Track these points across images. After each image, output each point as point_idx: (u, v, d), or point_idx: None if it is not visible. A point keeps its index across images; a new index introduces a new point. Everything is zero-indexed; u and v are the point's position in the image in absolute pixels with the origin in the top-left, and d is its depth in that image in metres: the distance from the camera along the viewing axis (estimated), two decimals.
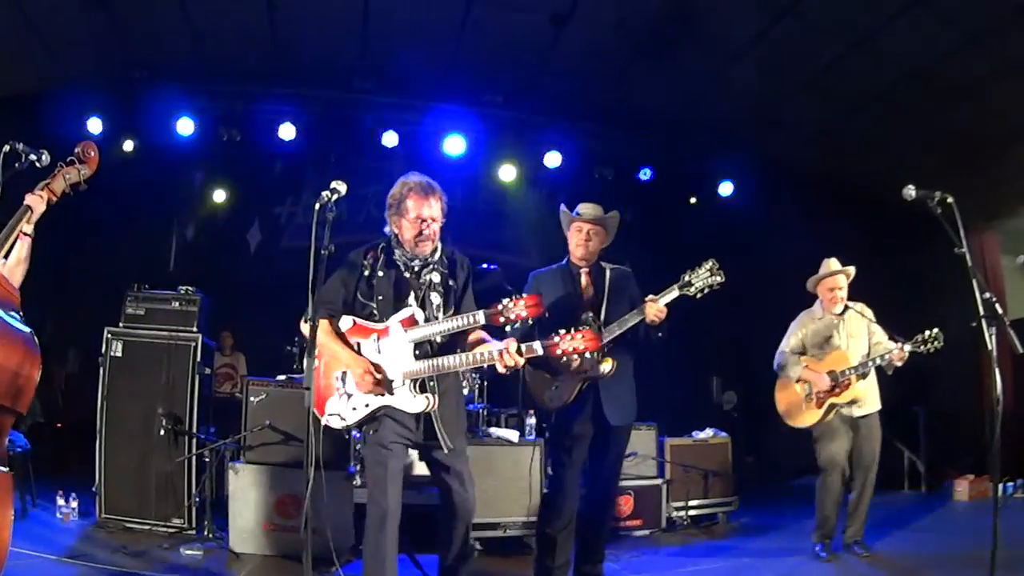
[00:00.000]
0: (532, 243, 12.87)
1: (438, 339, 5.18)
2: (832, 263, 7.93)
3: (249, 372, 11.80)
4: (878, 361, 7.38)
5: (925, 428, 11.95)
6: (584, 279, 6.33)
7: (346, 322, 5.21)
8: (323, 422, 5.19)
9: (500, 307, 4.89)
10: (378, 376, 5.00)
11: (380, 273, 5.27)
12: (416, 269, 5.32)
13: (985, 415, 11.55)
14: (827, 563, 7.44)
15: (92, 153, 4.88)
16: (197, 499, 7.98)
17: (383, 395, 5.04)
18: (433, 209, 5.27)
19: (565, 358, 5.22)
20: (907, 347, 7.16)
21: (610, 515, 6.59)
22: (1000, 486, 6.83)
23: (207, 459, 7.90)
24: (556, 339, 4.87)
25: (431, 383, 5.11)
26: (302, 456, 7.36)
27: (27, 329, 4.32)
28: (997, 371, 5.25)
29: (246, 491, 7.50)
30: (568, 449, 6.08)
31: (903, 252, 11.51)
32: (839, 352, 7.69)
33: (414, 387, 5.03)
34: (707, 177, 13.72)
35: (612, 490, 6.49)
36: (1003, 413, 5.21)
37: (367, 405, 5.07)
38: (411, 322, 5.08)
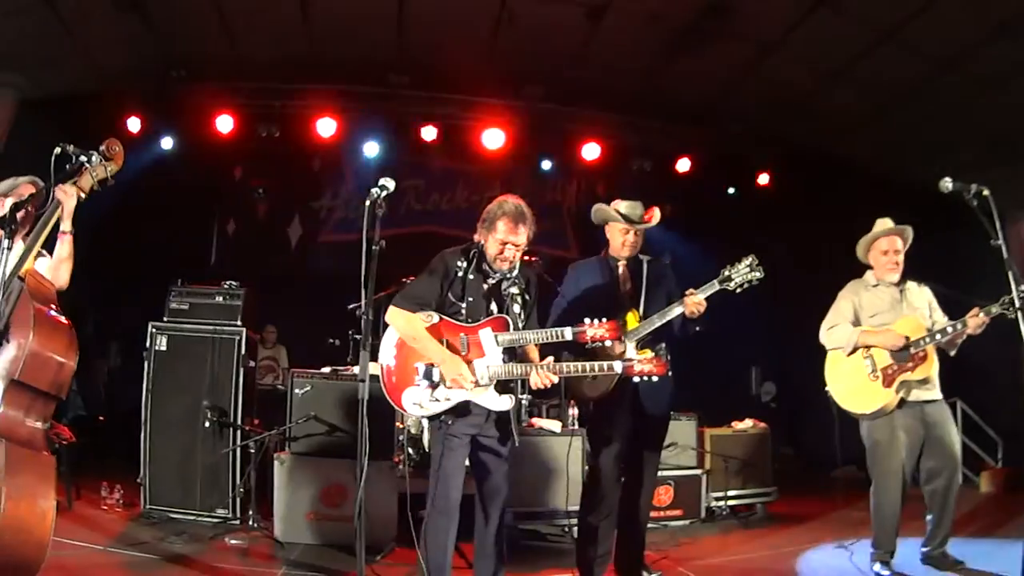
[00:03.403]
0: (571, 235, 12.93)
1: (520, 346, 5.41)
2: (886, 221, 6.99)
3: (290, 364, 11.92)
4: (959, 327, 6.30)
5: (962, 420, 11.88)
6: (623, 271, 6.34)
7: (433, 319, 5.33)
8: (405, 413, 5.55)
9: (586, 327, 5.18)
10: (472, 377, 5.16)
11: (471, 276, 5.44)
12: (498, 279, 5.48)
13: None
14: None
15: (117, 149, 4.99)
16: (242, 489, 8.08)
17: (472, 392, 5.20)
18: (519, 237, 5.36)
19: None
20: (994, 308, 6.03)
21: (649, 505, 6.60)
22: None
23: (252, 450, 7.99)
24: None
25: (511, 384, 5.39)
26: (346, 446, 7.48)
27: (65, 321, 4.64)
28: None
29: (291, 481, 7.62)
30: (607, 439, 6.12)
31: (939, 243, 11.46)
32: (909, 318, 6.68)
33: (498, 387, 5.24)
34: (745, 167, 13.71)
35: (651, 480, 6.49)
36: None
37: (448, 399, 5.21)
38: (502, 326, 5.27)
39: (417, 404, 5.27)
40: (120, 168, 5.03)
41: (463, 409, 5.24)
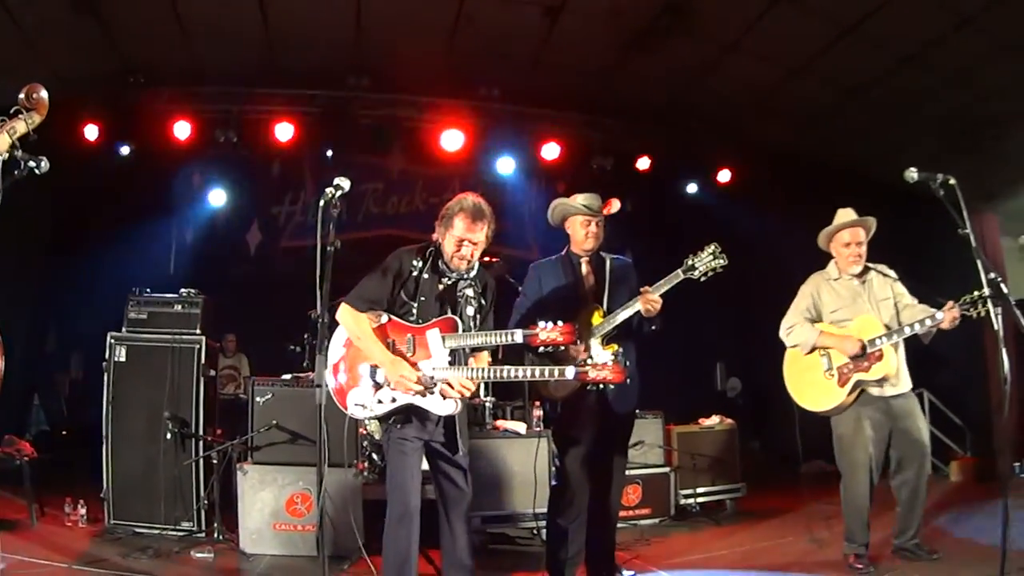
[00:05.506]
0: (532, 235, 12.88)
1: (468, 349, 5.29)
2: (848, 212, 6.91)
3: (252, 373, 11.82)
4: (917, 328, 6.28)
5: (930, 410, 11.90)
6: (585, 268, 6.32)
7: (382, 319, 5.25)
8: (348, 414, 5.27)
9: (538, 330, 5.04)
10: (416, 380, 5.04)
11: (426, 275, 5.33)
12: (453, 280, 5.38)
13: (991, 397, 11.54)
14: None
15: (37, 96, 4.38)
16: (206, 501, 7.99)
17: (417, 396, 5.09)
18: (476, 234, 5.26)
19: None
20: (957, 308, 6.02)
21: (619, 504, 6.56)
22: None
23: (215, 461, 7.89)
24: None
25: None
26: (309, 455, 7.40)
27: None
28: (1004, 350, 5.22)
29: (255, 491, 7.50)
30: (574, 440, 6.08)
31: (904, 235, 11.51)
32: (866, 317, 6.64)
33: (444, 390, 5.10)
34: (705, 165, 13.71)
35: (620, 479, 6.46)
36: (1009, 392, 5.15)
37: (394, 400, 5.11)
38: (450, 328, 5.16)
39: (360, 405, 5.19)
40: (44, 118, 4.39)
41: (408, 413, 5.15)
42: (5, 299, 10.19)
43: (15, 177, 4.21)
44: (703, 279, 5.83)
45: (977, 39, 9.24)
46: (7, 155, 4.20)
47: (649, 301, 5.78)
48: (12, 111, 4.33)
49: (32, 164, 4.19)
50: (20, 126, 4.28)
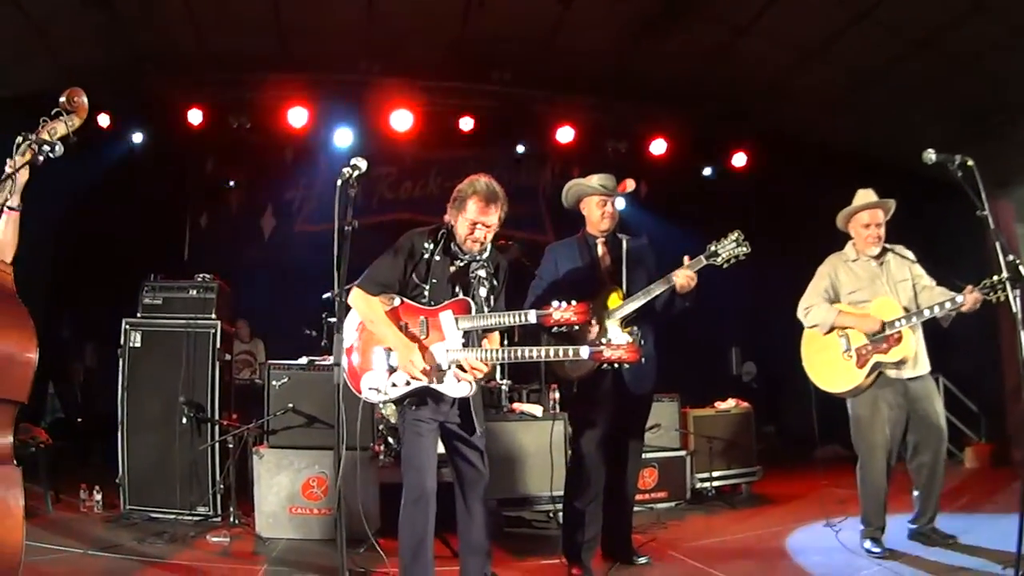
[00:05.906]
0: (547, 218, 12.85)
1: (481, 331, 5.28)
2: (868, 193, 6.85)
3: (268, 358, 11.82)
4: (937, 311, 6.24)
5: (945, 395, 11.81)
6: (601, 249, 6.32)
7: (394, 301, 5.22)
8: (362, 398, 5.25)
9: (551, 310, 5.02)
10: (427, 365, 5.01)
11: (437, 257, 5.29)
12: (466, 262, 5.34)
13: (1006, 382, 11.46)
14: (883, 560, 6.33)
15: (79, 100, 4.51)
16: (221, 486, 7.99)
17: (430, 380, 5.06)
18: (490, 217, 5.21)
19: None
20: (978, 291, 5.98)
21: (635, 487, 6.55)
22: None
23: (230, 445, 7.89)
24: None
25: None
26: (325, 438, 7.38)
27: (24, 311, 4.14)
28: (1022, 333, 5.17)
29: (271, 475, 7.51)
30: (590, 422, 6.08)
31: (918, 219, 11.42)
32: (884, 299, 6.58)
33: (456, 372, 5.07)
34: (720, 148, 13.67)
35: (636, 462, 6.46)
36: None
37: (408, 383, 5.08)
38: (463, 310, 5.14)
39: (375, 389, 5.17)
40: (84, 121, 4.55)
41: (423, 395, 5.12)
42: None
43: (29, 160, 4.19)
44: (725, 266, 5.82)
45: (990, 23, 9.16)
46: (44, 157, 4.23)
47: (685, 277, 5.79)
48: (53, 113, 4.40)
49: (47, 148, 4.17)
50: (60, 128, 4.38)
